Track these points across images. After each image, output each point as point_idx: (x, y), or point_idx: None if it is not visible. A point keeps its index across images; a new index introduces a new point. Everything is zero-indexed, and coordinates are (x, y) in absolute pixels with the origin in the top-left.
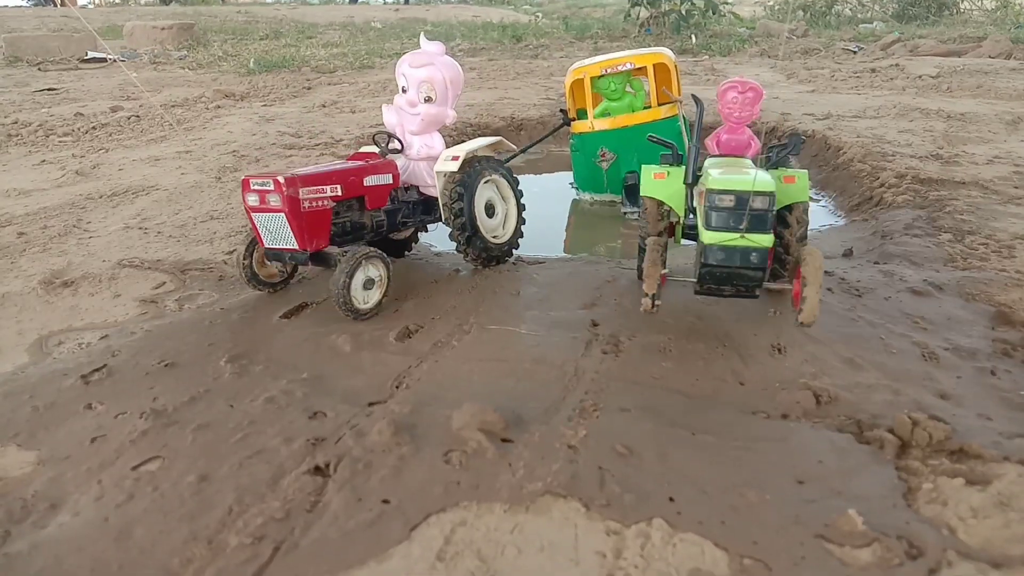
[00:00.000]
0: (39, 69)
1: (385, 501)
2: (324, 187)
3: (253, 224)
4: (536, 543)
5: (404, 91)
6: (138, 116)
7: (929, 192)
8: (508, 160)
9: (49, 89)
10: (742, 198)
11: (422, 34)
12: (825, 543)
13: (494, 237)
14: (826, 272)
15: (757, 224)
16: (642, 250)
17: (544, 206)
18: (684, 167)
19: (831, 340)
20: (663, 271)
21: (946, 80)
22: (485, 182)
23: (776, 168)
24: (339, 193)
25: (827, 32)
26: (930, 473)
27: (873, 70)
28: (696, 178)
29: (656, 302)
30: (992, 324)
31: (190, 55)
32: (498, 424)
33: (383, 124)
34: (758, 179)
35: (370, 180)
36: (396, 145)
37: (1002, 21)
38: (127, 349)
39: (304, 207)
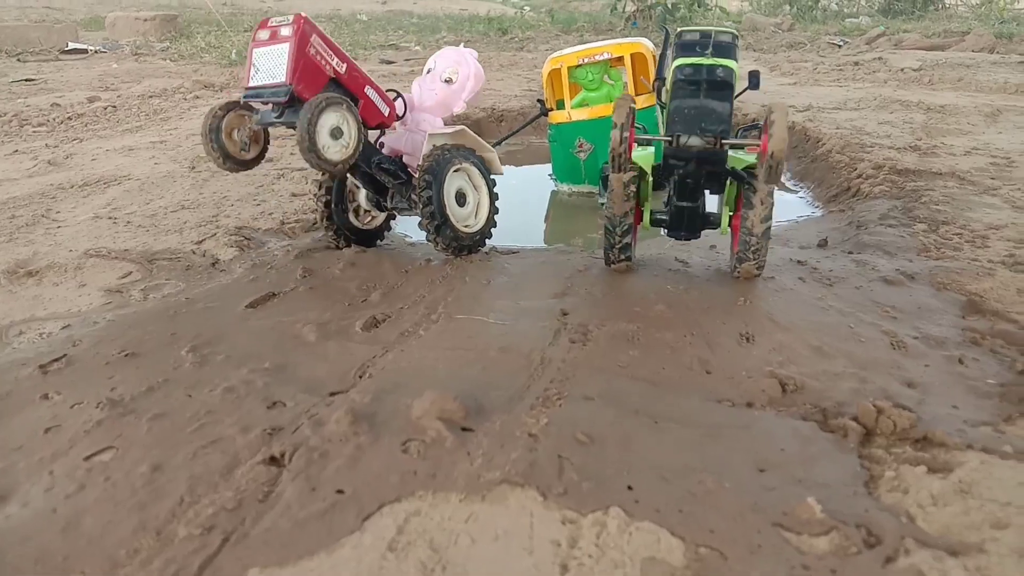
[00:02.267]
0: (18, 60)
1: (339, 491)
2: (333, 55)
3: (249, 62)
4: (490, 532)
5: (429, 72)
6: (114, 106)
7: (906, 183)
8: (498, 143)
9: (27, 80)
10: (707, 34)
11: (462, 44)
12: (783, 531)
13: (465, 226)
14: (799, 262)
15: (722, 51)
16: (608, 232)
17: (522, 198)
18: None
19: (799, 329)
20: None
21: (928, 73)
22: (455, 171)
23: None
24: (342, 71)
25: (813, 26)
26: (893, 461)
27: (856, 63)
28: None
29: (625, 136)
30: (962, 313)
31: (172, 46)
32: (458, 412)
33: None
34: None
35: (370, 92)
36: (400, 105)
37: (986, 16)
38: (88, 339)
39: (309, 52)
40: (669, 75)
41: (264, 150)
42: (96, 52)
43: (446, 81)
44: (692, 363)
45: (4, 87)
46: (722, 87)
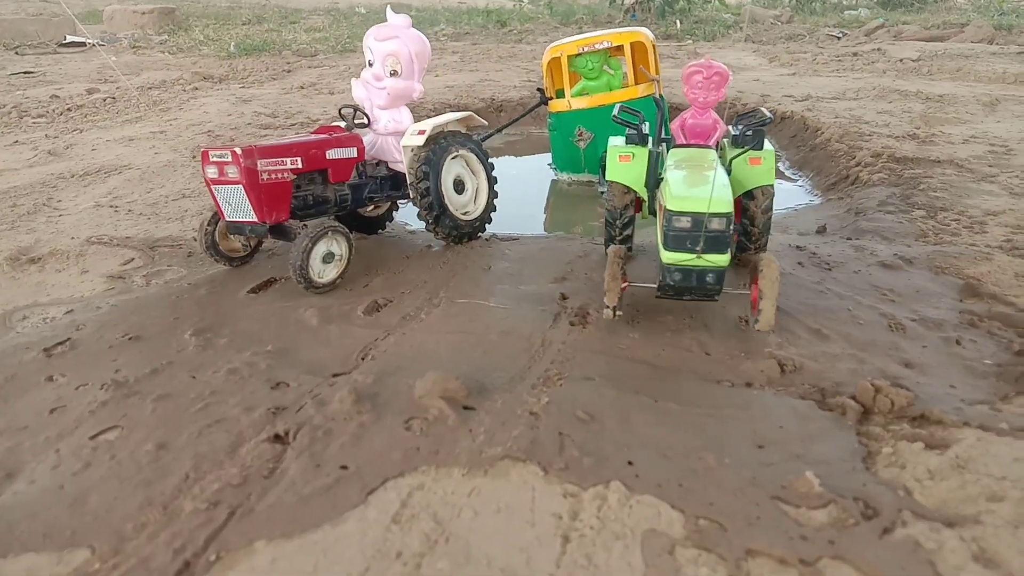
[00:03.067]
0: (16, 53)
1: (343, 467)
2: (284, 159)
3: (214, 197)
4: (493, 506)
5: (370, 64)
6: (114, 97)
7: (904, 170)
8: (484, 139)
9: (25, 72)
10: (698, 220)
11: (388, 7)
12: (781, 504)
13: (464, 214)
14: (798, 247)
15: (713, 245)
16: (609, 225)
17: (523, 187)
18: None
19: (799, 312)
20: (623, 285)
21: (927, 63)
22: (453, 158)
23: (743, 149)
24: (299, 166)
25: (812, 19)
26: (891, 438)
27: (855, 54)
28: (658, 182)
29: (617, 312)
30: (960, 296)
31: (171, 39)
32: (460, 392)
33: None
34: (714, 198)
35: (333, 153)
36: (362, 119)
37: (986, 8)
38: (92, 323)
39: (263, 179)
40: (660, 238)
41: (260, 244)
42: (94, 45)
43: (392, 74)
44: (691, 345)
45: (3, 79)
46: (712, 286)
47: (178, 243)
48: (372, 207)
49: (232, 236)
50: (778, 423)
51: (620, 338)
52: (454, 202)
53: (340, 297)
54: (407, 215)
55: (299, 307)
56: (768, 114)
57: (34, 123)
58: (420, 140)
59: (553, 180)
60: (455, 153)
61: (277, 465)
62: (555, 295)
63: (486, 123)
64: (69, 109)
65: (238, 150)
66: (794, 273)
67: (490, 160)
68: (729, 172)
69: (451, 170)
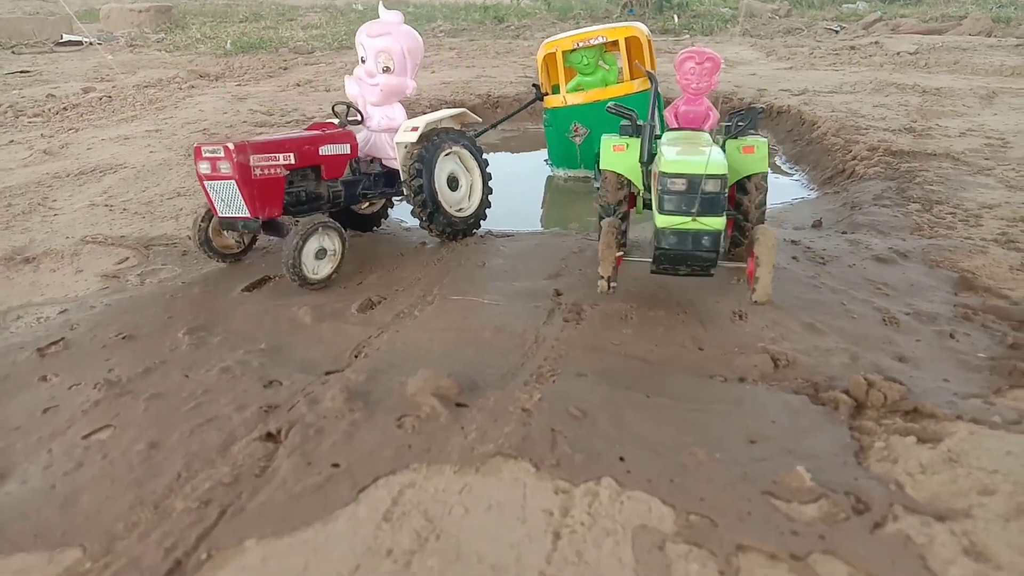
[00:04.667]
0: (12, 52)
1: (335, 465)
2: (276, 155)
3: (206, 192)
4: (484, 503)
5: (363, 61)
6: (109, 96)
7: (900, 164)
8: (479, 135)
9: (22, 71)
10: (694, 181)
11: (380, 4)
12: (772, 499)
13: (458, 210)
14: (793, 242)
15: (709, 207)
16: (602, 220)
17: (518, 183)
18: (640, 142)
19: (792, 306)
20: (619, 253)
21: (924, 56)
22: (446, 155)
23: (736, 138)
24: (292, 161)
25: (810, 12)
26: (883, 432)
27: (852, 47)
28: (652, 157)
29: (612, 284)
30: (954, 290)
31: (167, 37)
32: (452, 389)
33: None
34: (711, 161)
35: (326, 149)
36: (356, 116)
37: (984, 0)
38: (86, 323)
39: (255, 174)
40: (655, 193)
41: (254, 240)
42: (90, 44)
43: (384, 70)
44: (685, 341)
45: None
46: (710, 249)
47: (172, 242)
48: (367, 205)
49: (226, 233)
50: (770, 418)
51: (613, 334)
52: (448, 199)
53: (334, 295)
54: (403, 212)
55: (293, 305)
56: (760, 107)
57: (30, 122)
58: (414, 136)
59: (549, 176)
60: (449, 150)
61: (269, 464)
62: (549, 291)
63: (480, 120)
64: (65, 108)
65: (230, 145)
66: (788, 268)
67: (484, 157)
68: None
69: (445, 167)
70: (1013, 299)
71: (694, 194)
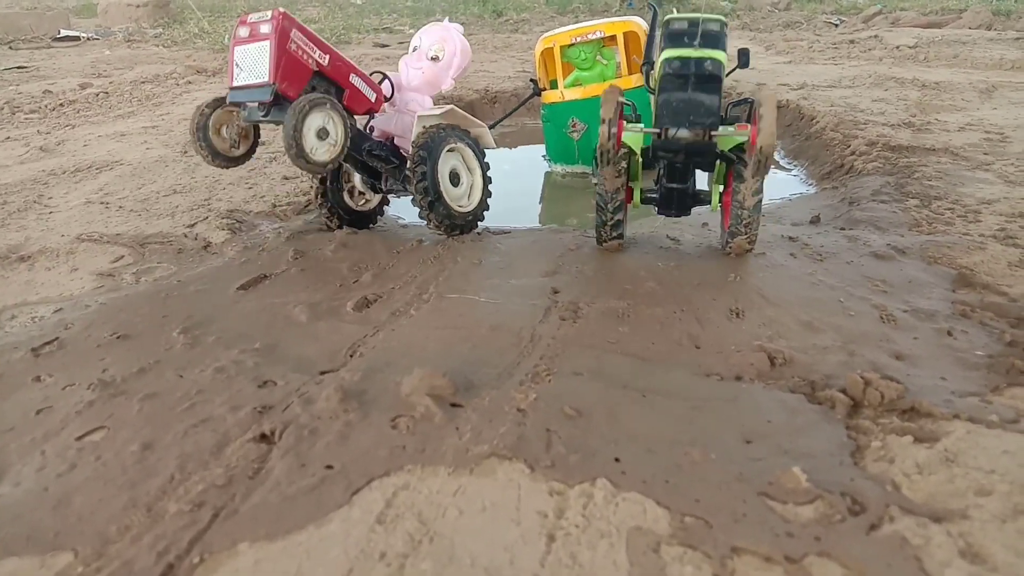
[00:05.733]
0: (10, 47)
1: (329, 467)
2: (314, 47)
3: (231, 61)
4: (478, 504)
5: (415, 50)
6: (106, 92)
7: (899, 159)
8: (493, 125)
9: (19, 67)
10: (695, 21)
11: (446, 18)
12: (768, 500)
13: (459, 206)
14: (790, 238)
15: (710, 41)
16: (600, 209)
17: (516, 179)
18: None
19: (789, 304)
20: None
21: (923, 50)
22: (449, 149)
23: (731, 124)
24: (325, 63)
25: (810, 5)
26: (880, 431)
27: (852, 41)
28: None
29: (613, 131)
30: (953, 287)
31: (165, 33)
32: (447, 389)
33: None
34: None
35: (356, 80)
36: (387, 86)
37: None
38: (80, 322)
39: (290, 47)
40: (657, 64)
41: (254, 146)
42: (88, 39)
43: (432, 59)
44: (681, 338)
45: None
46: (710, 80)
47: (168, 240)
48: (364, 202)
49: (223, 132)
50: (766, 417)
51: (610, 331)
52: (449, 193)
53: (329, 293)
54: (399, 209)
55: (288, 303)
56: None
57: (26, 119)
58: (439, 111)
59: (547, 172)
60: (452, 145)
61: (262, 465)
62: (546, 289)
63: (484, 126)
64: (62, 104)
65: (280, 10)
66: (786, 265)
67: (486, 159)
68: (723, 159)
69: (447, 162)
70: (1011, 296)
71: (696, 29)
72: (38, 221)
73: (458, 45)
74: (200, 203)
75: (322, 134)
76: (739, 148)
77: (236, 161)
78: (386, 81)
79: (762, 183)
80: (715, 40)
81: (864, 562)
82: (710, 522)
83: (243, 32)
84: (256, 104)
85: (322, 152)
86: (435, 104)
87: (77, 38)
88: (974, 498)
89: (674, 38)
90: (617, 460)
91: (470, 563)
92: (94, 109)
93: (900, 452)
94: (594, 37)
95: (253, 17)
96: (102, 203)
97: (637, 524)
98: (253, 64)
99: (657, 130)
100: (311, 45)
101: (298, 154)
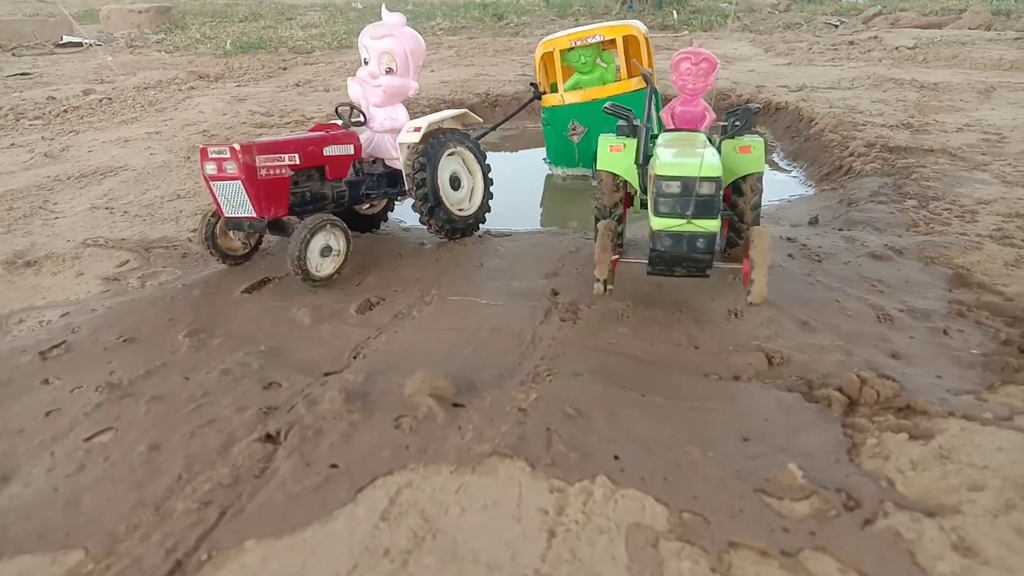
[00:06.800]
0: (13, 54)
1: (333, 466)
2: (282, 155)
3: (212, 193)
4: (480, 502)
5: (366, 63)
6: (110, 98)
7: (897, 160)
8: (480, 136)
9: (22, 74)
10: (688, 184)
11: (383, 5)
12: (764, 496)
13: (460, 210)
14: (789, 239)
15: (703, 210)
16: (599, 220)
17: (517, 182)
18: (636, 144)
19: (787, 304)
20: (615, 257)
21: (922, 51)
22: (449, 154)
23: (732, 138)
24: (297, 162)
25: (810, 7)
26: (875, 429)
27: (851, 42)
28: (648, 158)
29: (608, 287)
30: (949, 286)
31: (167, 38)
32: (449, 389)
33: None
34: (705, 163)
35: (330, 150)
36: (359, 117)
37: None
38: (87, 326)
39: (261, 175)
40: (649, 229)
41: (259, 243)
42: (90, 45)
43: (387, 72)
44: (680, 339)
45: (0, 81)
46: (703, 253)
47: (173, 244)
48: (368, 206)
49: (231, 234)
50: (764, 416)
51: (609, 333)
52: (450, 197)
53: (333, 296)
54: (402, 213)
55: (292, 306)
56: (756, 106)
57: (30, 125)
58: (416, 137)
59: (548, 175)
60: (452, 150)
61: (268, 465)
62: (546, 291)
63: (481, 120)
64: (65, 111)
65: (237, 146)
66: (784, 266)
67: (487, 161)
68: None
69: (447, 167)
70: (1007, 295)
71: (689, 196)
72: (44, 226)
73: (407, 46)
74: (204, 208)
75: (325, 252)
76: (741, 182)
77: (246, 257)
78: (355, 112)
79: (760, 197)
80: (708, 208)
81: (858, 556)
82: (708, 518)
83: (211, 169)
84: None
85: (327, 266)
86: (407, 108)
87: (80, 44)
88: (967, 494)
89: (665, 203)
90: (616, 458)
91: (472, 559)
92: (97, 115)
93: (895, 449)
94: (594, 41)
95: (213, 152)
96: (107, 208)
97: (636, 520)
98: (236, 199)
99: (650, 270)
100: (279, 156)
101: (304, 278)
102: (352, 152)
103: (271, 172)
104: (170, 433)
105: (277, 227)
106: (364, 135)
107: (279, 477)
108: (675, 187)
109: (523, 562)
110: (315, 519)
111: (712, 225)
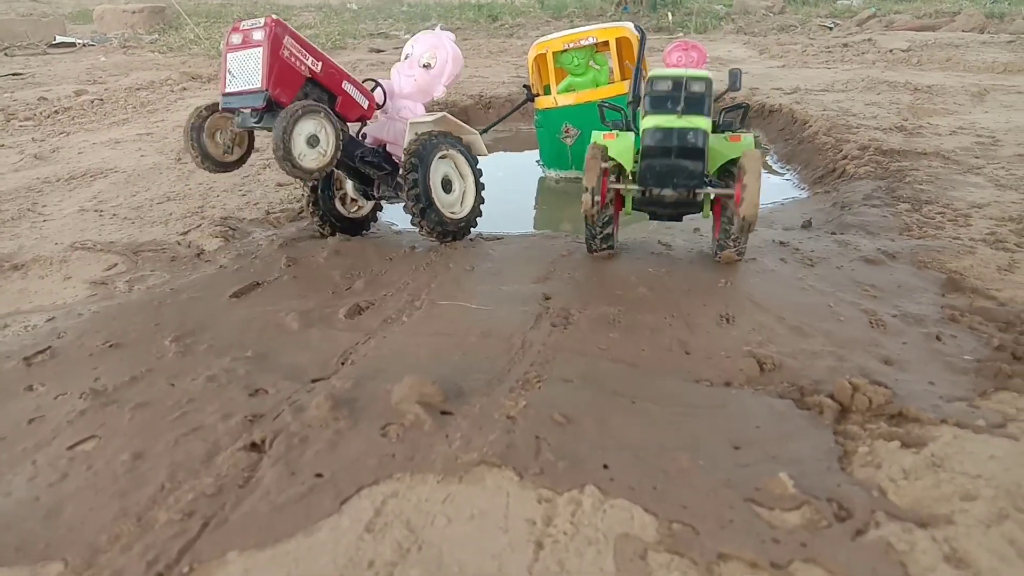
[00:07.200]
0: (5, 54)
1: (318, 475)
2: (307, 54)
3: (224, 67)
4: (467, 512)
5: (406, 58)
6: (101, 99)
7: (891, 163)
8: (485, 131)
9: (14, 74)
10: (679, 82)
11: (438, 24)
12: (754, 506)
13: (451, 212)
14: (781, 243)
15: (694, 107)
16: (589, 224)
17: (510, 185)
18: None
19: (779, 309)
20: (603, 165)
21: (916, 53)
22: (441, 156)
23: (723, 132)
24: (317, 70)
25: (804, 9)
26: (867, 437)
27: (845, 45)
28: (638, 99)
29: (596, 198)
30: (942, 291)
31: (161, 38)
32: (437, 396)
33: None
34: (694, 70)
35: (348, 87)
36: (380, 94)
37: None
38: (73, 331)
39: (283, 53)
40: (640, 127)
41: (247, 153)
42: (84, 45)
43: (424, 66)
44: (672, 344)
45: None
46: (694, 151)
47: (162, 247)
48: (354, 209)
49: (217, 137)
50: (755, 423)
51: (600, 338)
52: (441, 199)
53: (322, 300)
54: (392, 215)
55: (281, 311)
56: (747, 104)
57: (21, 126)
58: (431, 118)
59: (541, 177)
60: (444, 152)
61: (252, 474)
62: (537, 295)
63: (475, 133)
64: (56, 112)
65: (273, 17)
66: (776, 270)
67: (478, 166)
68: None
69: (439, 169)
70: (1000, 300)
71: (679, 93)
72: (32, 229)
73: (450, 53)
74: (194, 210)
75: (312, 141)
76: (732, 162)
77: (226, 167)
78: (378, 88)
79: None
80: (699, 105)
81: (849, 568)
82: (697, 528)
83: (236, 39)
84: (249, 110)
85: (310, 159)
86: (427, 111)
87: (73, 44)
88: (960, 503)
89: (657, 102)
90: (606, 467)
91: (458, 571)
92: (89, 116)
93: (887, 457)
94: (587, 43)
95: (246, 24)
96: (96, 211)
97: (625, 531)
98: (246, 70)
99: (641, 189)
100: (304, 52)
101: (284, 157)
102: (365, 106)
103: (292, 59)
104: (154, 441)
105: (272, 111)
106: (379, 119)
107: (263, 487)
108: (666, 84)
109: (510, 574)
110: (299, 530)
111: (702, 122)
